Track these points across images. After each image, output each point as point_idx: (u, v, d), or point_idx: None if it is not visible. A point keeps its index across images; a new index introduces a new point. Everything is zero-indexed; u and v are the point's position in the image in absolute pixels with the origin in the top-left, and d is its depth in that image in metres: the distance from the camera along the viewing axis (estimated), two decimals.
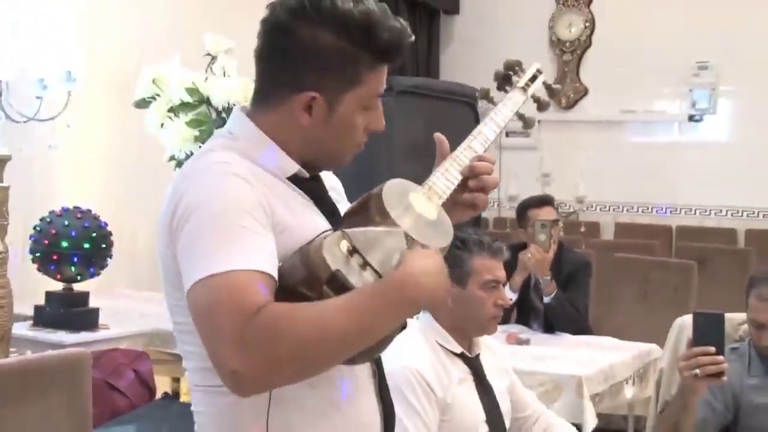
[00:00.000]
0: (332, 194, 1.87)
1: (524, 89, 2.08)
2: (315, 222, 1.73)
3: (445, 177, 1.84)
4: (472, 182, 1.87)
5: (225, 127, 1.83)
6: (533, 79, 2.11)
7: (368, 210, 1.70)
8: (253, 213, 1.61)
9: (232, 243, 1.56)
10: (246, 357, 1.49)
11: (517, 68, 2.10)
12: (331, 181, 1.92)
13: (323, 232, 1.66)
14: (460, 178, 1.85)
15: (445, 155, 1.88)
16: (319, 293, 1.55)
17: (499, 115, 2.01)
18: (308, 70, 1.71)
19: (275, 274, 1.58)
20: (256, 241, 1.59)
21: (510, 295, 4.71)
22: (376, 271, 1.60)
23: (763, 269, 3.37)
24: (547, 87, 2.15)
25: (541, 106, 2.13)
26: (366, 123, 1.78)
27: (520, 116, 2.10)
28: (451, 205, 1.85)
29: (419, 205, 1.75)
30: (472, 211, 1.92)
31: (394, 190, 1.73)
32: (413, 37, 1.80)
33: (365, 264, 1.60)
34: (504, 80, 2.11)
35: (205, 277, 1.54)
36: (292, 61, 1.72)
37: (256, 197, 1.63)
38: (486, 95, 2.18)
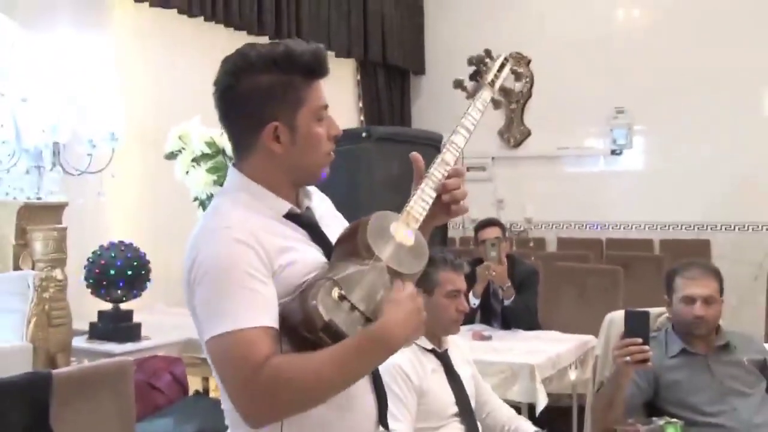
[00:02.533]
0: (322, 221, 1.83)
1: (491, 84, 2.03)
2: (312, 255, 1.72)
3: (421, 199, 1.81)
4: (445, 197, 1.85)
5: (225, 185, 1.82)
6: (501, 68, 2.05)
7: (355, 242, 1.67)
8: (253, 273, 1.60)
9: (238, 304, 1.57)
10: (253, 404, 1.56)
11: (487, 60, 2.05)
12: (319, 204, 1.88)
13: (316, 277, 1.63)
14: (434, 195, 1.83)
15: (420, 170, 1.85)
16: (316, 337, 1.56)
17: (469, 119, 1.97)
18: (261, 108, 1.70)
19: (276, 325, 1.59)
20: (256, 299, 1.59)
21: (473, 301, 4.73)
22: (362, 313, 1.59)
23: (678, 263, 3.36)
24: (514, 72, 2.10)
25: (509, 94, 2.08)
26: (326, 132, 1.76)
27: (494, 101, 2.04)
28: (435, 215, 1.83)
29: (399, 234, 1.72)
30: (448, 217, 1.89)
31: (376, 224, 1.70)
32: (326, 51, 1.77)
33: (353, 307, 1.59)
34: (475, 72, 2.07)
35: (218, 334, 1.57)
36: (247, 107, 1.71)
37: (256, 256, 1.62)
38: (460, 85, 2.12)
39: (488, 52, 2.06)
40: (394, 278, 1.66)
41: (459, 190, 1.87)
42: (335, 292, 1.58)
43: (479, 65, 2.05)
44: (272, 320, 1.59)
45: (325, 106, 1.77)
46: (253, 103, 1.70)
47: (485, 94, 2.01)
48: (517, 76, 2.09)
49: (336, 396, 1.68)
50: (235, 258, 1.60)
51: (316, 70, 1.74)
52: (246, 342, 1.54)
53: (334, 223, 1.87)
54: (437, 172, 1.85)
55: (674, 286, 3.24)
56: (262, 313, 1.58)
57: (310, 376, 1.54)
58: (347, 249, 1.69)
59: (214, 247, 1.63)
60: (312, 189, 1.88)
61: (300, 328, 1.57)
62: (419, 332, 1.66)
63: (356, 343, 1.57)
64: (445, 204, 1.86)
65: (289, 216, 1.75)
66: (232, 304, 1.57)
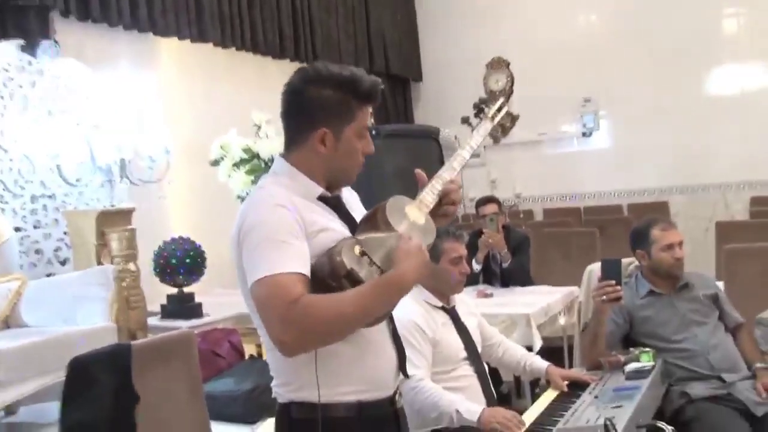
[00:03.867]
0: (348, 207, 1.85)
1: (492, 118, 2.07)
2: (337, 229, 1.72)
3: (432, 192, 1.84)
4: (445, 199, 1.87)
5: (272, 169, 1.84)
6: (500, 109, 2.10)
7: (376, 219, 1.71)
8: (290, 230, 1.62)
9: (274, 253, 1.59)
10: (288, 331, 1.55)
11: (489, 101, 2.11)
12: (348, 196, 1.90)
13: (343, 239, 1.67)
14: (441, 189, 1.85)
15: (422, 182, 1.87)
16: (339, 284, 1.58)
17: (473, 140, 2.01)
18: (318, 115, 1.72)
19: (308, 273, 1.61)
20: (290, 249, 1.61)
21: (476, 267, 4.75)
22: (379, 267, 1.62)
23: (642, 221, 3.35)
24: (509, 114, 2.14)
25: (504, 130, 2.14)
26: (361, 148, 1.78)
27: (491, 136, 2.09)
28: (435, 213, 1.84)
29: (412, 214, 1.76)
30: (447, 219, 1.91)
31: (394, 204, 1.74)
32: (383, 86, 1.80)
33: (371, 262, 1.61)
34: (479, 110, 2.12)
35: (260, 278, 1.58)
36: (307, 111, 1.74)
37: (294, 218, 1.64)
38: (466, 120, 2.18)
39: (490, 96, 2.13)
40: None
41: (457, 194, 1.89)
42: (357, 249, 1.61)
43: (483, 105, 2.12)
44: (304, 268, 1.60)
45: (368, 127, 1.79)
46: (313, 109, 1.72)
47: (486, 125, 2.07)
48: (512, 119, 2.16)
49: (363, 343, 1.71)
50: (275, 218, 1.63)
51: (371, 97, 1.76)
52: (282, 283, 1.56)
53: (358, 212, 1.88)
54: (446, 174, 1.88)
55: (651, 239, 3.22)
56: (296, 261, 1.59)
57: (336, 308, 1.56)
58: (368, 225, 1.72)
59: (258, 211, 1.66)
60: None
61: (327, 279, 1.59)
62: (424, 276, 1.67)
63: (374, 283, 1.59)
64: (443, 205, 1.88)
65: (321, 199, 1.76)
66: (271, 254, 1.58)
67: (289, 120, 1.79)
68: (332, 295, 1.58)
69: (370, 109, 1.79)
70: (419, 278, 1.65)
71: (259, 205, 1.68)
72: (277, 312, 1.55)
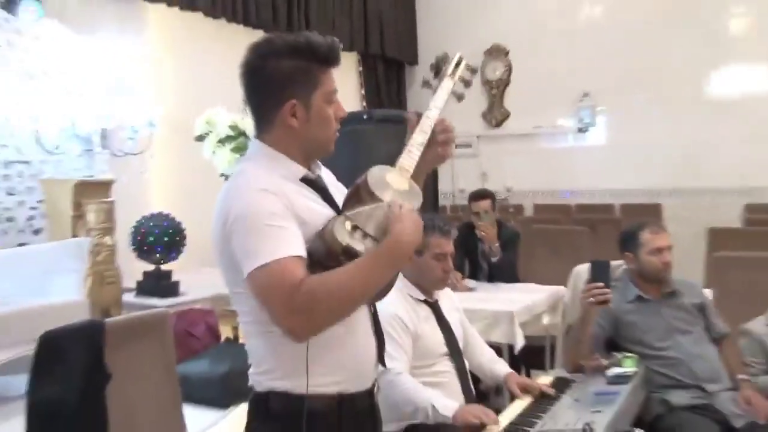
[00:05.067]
0: (331, 189, 1.84)
1: (452, 75, 2.04)
2: (323, 212, 1.73)
3: (409, 156, 1.82)
4: (441, 136, 1.86)
5: (248, 153, 1.84)
6: (458, 64, 2.09)
7: (360, 192, 1.71)
8: (279, 214, 1.62)
9: (271, 239, 1.59)
10: (296, 319, 1.57)
11: (444, 60, 2.07)
12: (327, 177, 1.89)
13: (332, 217, 1.68)
14: (421, 149, 1.84)
15: (412, 127, 1.87)
16: (337, 262, 1.59)
17: (437, 100, 1.97)
18: (283, 88, 1.72)
19: (305, 254, 1.61)
20: (286, 234, 1.61)
21: (493, 260, 4.82)
22: (374, 238, 1.63)
23: (633, 224, 3.39)
24: (468, 67, 2.12)
25: (466, 83, 2.11)
26: (333, 113, 1.77)
27: (455, 94, 2.07)
28: (427, 156, 1.84)
29: (394, 181, 1.76)
30: (443, 159, 1.91)
31: (375, 175, 1.74)
32: (341, 45, 1.79)
33: (365, 235, 1.63)
34: (437, 70, 2.10)
35: (258, 266, 1.58)
36: (271, 86, 1.73)
37: (280, 202, 1.63)
38: (427, 83, 2.16)
39: (445, 56, 2.10)
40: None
41: (448, 132, 1.88)
42: (348, 224, 1.62)
43: (439, 65, 2.09)
44: (300, 250, 1.61)
45: (335, 91, 1.78)
46: (276, 83, 1.72)
47: (448, 83, 2.03)
48: (472, 71, 2.13)
49: (345, 330, 1.71)
50: (262, 203, 1.62)
51: (331, 59, 1.75)
52: (282, 269, 1.56)
53: (338, 191, 1.88)
54: (418, 136, 1.86)
55: (640, 242, 3.26)
56: (291, 244, 1.60)
57: (339, 287, 1.57)
58: (354, 200, 1.72)
59: (242, 199, 1.64)
60: (321, 165, 1.89)
61: (324, 261, 1.60)
62: (420, 238, 1.68)
63: (374, 254, 1.61)
64: (438, 146, 1.87)
65: (304, 180, 1.76)
66: (265, 240, 1.59)
67: (254, 100, 1.78)
68: (333, 273, 1.58)
69: (333, 71, 1.78)
70: (417, 239, 1.66)
71: (243, 191, 1.66)
72: (281, 300, 1.56)
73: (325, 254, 1.61)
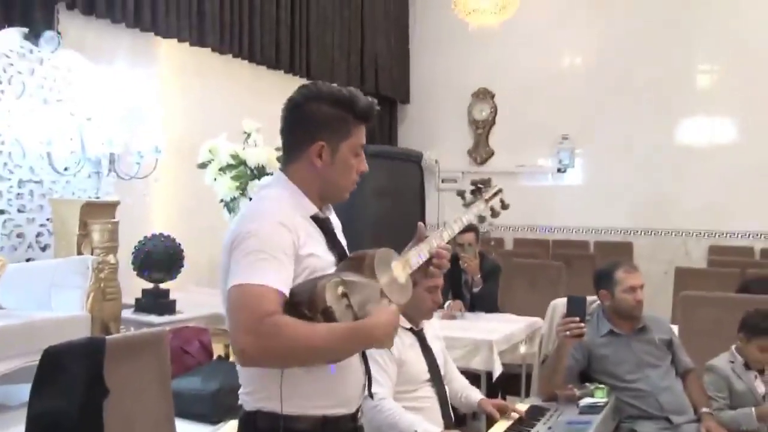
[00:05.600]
0: (337, 232, 1.86)
1: (486, 201, 2.13)
2: (326, 256, 1.74)
3: (418, 255, 1.86)
4: (435, 260, 1.90)
5: (270, 180, 1.86)
6: (496, 194, 2.15)
7: (363, 264, 1.71)
8: (284, 249, 1.62)
9: (265, 266, 1.59)
10: (252, 341, 1.53)
11: (486, 184, 2.19)
12: (334, 220, 1.90)
13: (329, 273, 1.66)
14: (428, 256, 1.88)
15: (421, 236, 1.91)
16: (313, 316, 1.57)
17: (465, 217, 2.08)
18: (316, 129, 1.75)
19: (287, 293, 1.60)
20: (280, 268, 1.61)
21: (475, 290, 4.86)
22: (354, 313, 1.61)
23: (608, 263, 3.40)
24: (502, 202, 2.19)
25: (494, 214, 2.18)
26: (356, 166, 1.79)
27: (480, 217, 2.14)
28: (420, 269, 1.87)
29: (396, 270, 1.77)
30: (426, 280, 1.98)
31: (383, 256, 1.75)
32: (379, 107, 1.84)
33: (349, 305, 1.60)
34: (476, 190, 2.17)
35: (241, 283, 1.57)
36: (306, 126, 1.76)
37: (290, 238, 1.64)
38: (461, 194, 2.22)
39: (489, 180, 2.18)
40: (383, 298, 1.69)
41: (445, 261, 1.91)
42: (340, 289, 1.60)
43: (480, 185, 2.16)
44: (286, 289, 1.60)
45: (363, 146, 1.81)
46: (311, 123, 1.75)
47: (480, 205, 2.14)
48: (503, 206, 2.21)
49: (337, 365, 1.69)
50: (276, 234, 1.62)
51: (367, 116, 1.79)
52: (264, 294, 1.55)
53: (341, 239, 1.89)
54: (434, 241, 1.90)
55: (615, 280, 3.26)
56: (281, 280, 1.59)
57: (304, 337, 1.54)
58: (354, 265, 1.71)
59: (260, 223, 1.65)
60: (331, 207, 1.90)
61: (303, 306, 1.58)
62: (390, 344, 1.67)
63: (348, 328, 1.58)
64: (431, 266, 1.90)
65: (314, 219, 1.77)
66: (259, 265, 1.58)
67: (287, 134, 1.81)
68: (305, 324, 1.56)
69: (364, 129, 1.81)
70: (386, 339, 1.64)
71: (261, 217, 1.67)
72: (246, 320, 1.53)
73: (306, 301, 1.59)
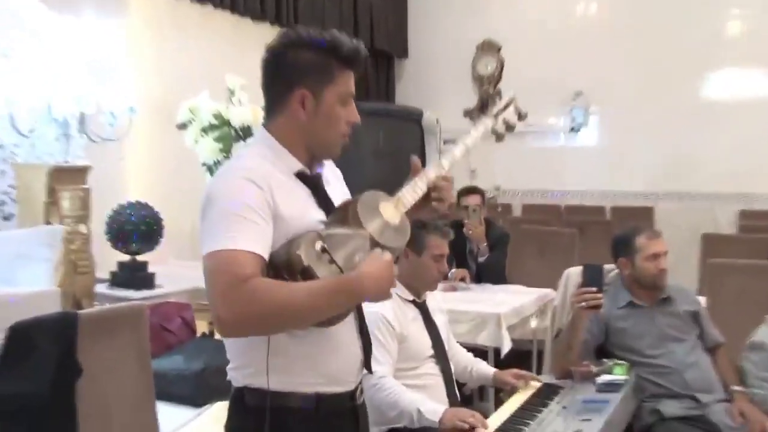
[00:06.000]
0: (329, 188, 1.83)
1: (495, 116, 2.08)
2: (310, 214, 1.71)
3: (413, 190, 1.84)
4: (434, 194, 1.89)
5: (251, 138, 1.85)
6: (507, 105, 2.10)
7: (346, 213, 1.69)
8: (254, 207, 1.61)
9: (233, 229, 1.58)
10: (229, 309, 1.52)
11: (495, 97, 2.12)
12: (329, 175, 1.87)
13: (306, 231, 1.63)
14: (425, 189, 1.87)
15: (416, 171, 1.88)
16: (293, 279, 1.57)
17: (470, 139, 2.04)
18: (298, 77, 1.73)
19: (266, 256, 1.59)
20: (251, 228, 1.59)
21: (481, 260, 4.85)
22: (339, 267, 1.59)
23: (628, 228, 3.38)
24: (518, 111, 2.15)
25: (509, 127, 2.13)
26: (345, 116, 1.77)
27: (494, 133, 2.09)
28: (421, 206, 1.86)
29: (387, 212, 1.75)
30: (435, 213, 1.94)
31: (368, 199, 1.73)
32: (367, 52, 1.80)
33: (332, 260, 1.59)
34: (483, 105, 2.11)
35: (214, 250, 1.57)
36: (287, 74, 1.74)
37: (263, 197, 1.63)
38: (470, 113, 2.17)
39: (498, 92, 2.11)
40: (374, 248, 1.66)
41: (447, 192, 1.90)
42: (318, 245, 1.58)
43: (488, 100, 2.09)
44: (263, 251, 1.59)
45: (351, 94, 1.78)
46: (291, 71, 1.73)
47: (487, 122, 2.09)
48: (519, 117, 2.14)
49: (325, 335, 1.69)
50: (244, 192, 1.62)
51: (353, 62, 1.76)
52: (237, 260, 1.54)
53: (339, 191, 1.87)
54: (431, 172, 1.89)
55: (636, 247, 3.24)
56: (256, 242, 1.58)
57: (284, 297, 1.54)
58: (338, 217, 1.70)
59: (227, 182, 1.65)
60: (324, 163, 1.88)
61: (282, 270, 1.58)
62: (386, 296, 1.65)
63: (331, 283, 1.57)
64: (432, 200, 1.89)
65: (299, 176, 1.75)
66: (228, 228, 1.57)
67: (268, 85, 1.79)
68: (284, 284, 1.56)
69: (353, 76, 1.78)
70: (379, 291, 1.62)
71: (229, 176, 1.67)
72: (221, 288, 1.53)
73: (284, 264, 1.58)
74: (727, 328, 3.34)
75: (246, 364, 1.72)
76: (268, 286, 1.54)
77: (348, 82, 1.77)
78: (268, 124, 1.79)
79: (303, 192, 1.74)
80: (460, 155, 1.99)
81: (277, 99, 1.77)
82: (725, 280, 3.92)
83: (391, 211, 1.76)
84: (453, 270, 4.70)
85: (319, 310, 1.59)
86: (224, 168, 1.74)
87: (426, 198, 1.88)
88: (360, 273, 1.59)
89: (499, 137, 2.10)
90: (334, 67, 1.73)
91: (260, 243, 1.59)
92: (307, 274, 1.55)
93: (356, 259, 1.61)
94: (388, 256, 1.65)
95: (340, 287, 1.58)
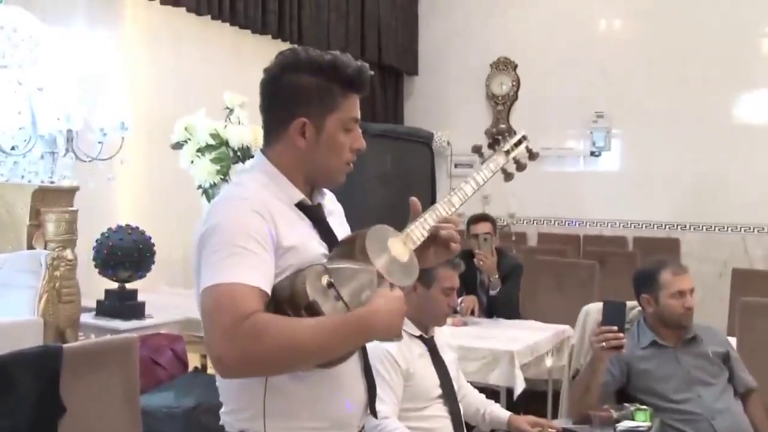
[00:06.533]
0: (331, 219, 1.84)
1: (507, 153, 2.10)
2: (313, 246, 1.72)
3: (422, 226, 1.84)
4: (439, 238, 1.88)
5: (249, 164, 1.85)
6: (518, 143, 2.12)
7: (353, 246, 1.70)
8: (258, 240, 1.60)
9: (236, 262, 1.57)
10: (230, 348, 1.51)
11: (506, 134, 2.14)
12: (331, 206, 1.89)
13: (311, 264, 1.64)
14: (435, 223, 1.87)
15: (416, 213, 1.88)
16: (297, 314, 1.56)
17: (481, 174, 2.04)
18: (297, 104, 1.73)
19: (269, 290, 1.59)
20: (254, 260, 1.59)
21: (492, 293, 4.86)
22: (346, 304, 1.59)
23: (651, 262, 3.38)
24: (529, 151, 2.16)
25: (520, 167, 2.15)
26: (349, 143, 1.77)
27: (504, 171, 2.11)
28: (432, 247, 1.87)
29: (395, 248, 1.75)
30: (437, 260, 1.94)
31: (376, 234, 1.73)
32: (372, 72, 1.81)
33: (338, 296, 1.59)
34: (494, 142, 2.14)
35: (214, 284, 1.56)
36: (285, 100, 1.74)
37: (266, 228, 1.63)
38: (478, 150, 2.19)
39: (509, 129, 2.14)
40: (383, 284, 1.67)
41: (453, 235, 1.90)
42: (324, 279, 1.58)
43: (499, 136, 2.13)
44: (266, 285, 1.58)
45: (356, 119, 1.79)
46: (290, 98, 1.73)
47: (499, 159, 2.10)
48: (531, 156, 2.18)
49: (328, 377, 1.69)
50: (247, 223, 1.61)
51: (356, 85, 1.76)
52: (239, 294, 1.53)
53: (340, 228, 1.87)
54: (441, 208, 1.90)
55: (660, 283, 3.24)
56: (259, 275, 1.58)
57: (289, 335, 1.52)
58: (345, 251, 1.71)
59: (229, 212, 1.65)
60: (326, 191, 1.89)
61: (285, 304, 1.57)
62: (396, 334, 1.66)
63: (340, 319, 1.57)
64: (437, 243, 1.89)
65: (300, 206, 1.76)
66: (230, 261, 1.57)
67: (266, 110, 1.80)
68: (290, 319, 1.55)
69: (357, 100, 1.79)
70: (389, 328, 1.63)
71: (231, 205, 1.67)
72: (222, 325, 1.52)
73: (288, 298, 1.58)
74: (760, 372, 3.32)
75: (241, 408, 1.71)
76: (273, 323, 1.53)
77: (351, 107, 1.77)
78: (266, 150, 1.80)
79: (305, 223, 1.75)
80: (471, 192, 1.99)
81: (275, 126, 1.78)
82: (757, 320, 3.89)
83: (400, 247, 1.76)
84: (461, 298, 4.68)
85: (328, 349, 1.58)
86: (224, 195, 1.74)
87: (430, 244, 1.88)
88: (370, 309, 1.59)
89: (508, 176, 2.13)
90: (336, 93, 1.74)
91: (263, 276, 1.59)
92: (311, 309, 1.55)
93: (363, 296, 1.61)
94: (398, 291, 1.66)
95: (349, 324, 1.57)
